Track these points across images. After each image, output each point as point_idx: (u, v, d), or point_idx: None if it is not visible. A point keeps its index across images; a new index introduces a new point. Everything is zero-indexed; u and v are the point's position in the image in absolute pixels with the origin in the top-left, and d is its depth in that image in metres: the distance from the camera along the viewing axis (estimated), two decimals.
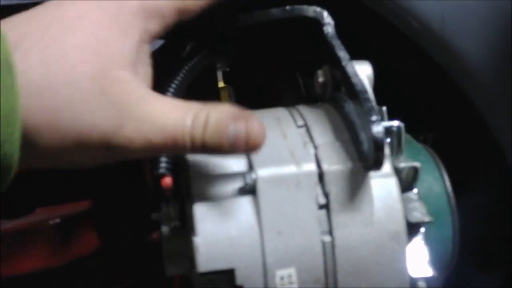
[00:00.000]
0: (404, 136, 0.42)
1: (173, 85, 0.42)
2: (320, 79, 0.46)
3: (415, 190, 0.42)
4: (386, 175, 0.40)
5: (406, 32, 0.51)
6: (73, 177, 0.67)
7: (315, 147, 0.41)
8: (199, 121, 0.36)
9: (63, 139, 0.34)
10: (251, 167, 0.40)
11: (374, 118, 0.37)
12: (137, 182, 0.69)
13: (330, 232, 0.39)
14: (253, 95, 0.70)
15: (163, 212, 0.41)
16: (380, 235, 0.39)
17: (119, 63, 0.36)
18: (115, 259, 0.80)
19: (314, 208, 0.39)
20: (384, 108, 0.42)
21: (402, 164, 0.41)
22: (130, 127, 0.35)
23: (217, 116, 0.36)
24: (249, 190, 0.39)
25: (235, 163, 0.40)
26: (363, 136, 0.39)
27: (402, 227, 0.39)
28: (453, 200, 0.46)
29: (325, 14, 0.44)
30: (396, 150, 0.42)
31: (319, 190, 0.39)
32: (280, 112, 0.45)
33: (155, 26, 0.38)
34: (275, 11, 0.43)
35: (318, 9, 0.44)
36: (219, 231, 0.39)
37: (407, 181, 0.42)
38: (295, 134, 0.42)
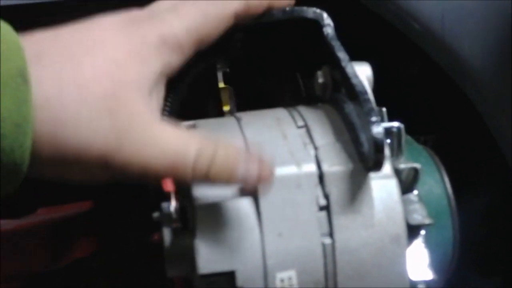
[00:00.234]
0: (404, 137, 0.42)
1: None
2: (320, 80, 0.46)
3: (415, 192, 0.42)
4: (386, 177, 0.40)
5: (406, 33, 0.51)
6: None
7: (315, 148, 0.41)
8: (205, 155, 0.36)
9: (63, 152, 0.34)
10: None
11: (374, 119, 0.37)
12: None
13: (331, 234, 0.39)
14: (253, 96, 0.70)
15: (163, 214, 0.41)
16: (381, 237, 0.39)
17: (133, 88, 0.36)
18: (116, 260, 0.80)
19: (314, 210, 0.39)
20: (384, 109, 0.42)
21: (403, 166, 0.41)
22: (129, 149, 0.35)
23: (225, 153, 0.36)
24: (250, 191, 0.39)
25: None
26: (363, 137, 0.39)
27: (402, 230, 0.39)
28: (453, 202, 0.46)
29: (325, 15, 0.44)
30: (396, 151, 0.42)
31: (319, 192, 0.39)
32: (280, 113, 0.45)
33: (175, 59, 0.39)
34: (275, 13, 0.43)
35: (318, 10, 0.44)
36: (219, 233, 0.39)
37: (407, 183, 0.42)
38: (295, 135, 0.42)
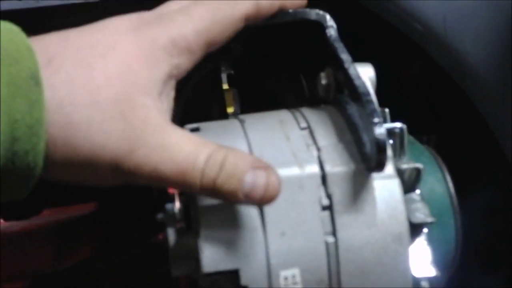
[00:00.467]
0: (407, 137, 0.42)
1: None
2: (323, 82, 0.46)
3: (417, 191, 0.43)
4: (388, 177, 0.40)
5: (409, 34, 0.51)
6: None
7: (318, 149, 0.41)
8: (214, 161, 0.35)
9: (76, 155, 0.35)
10: None
11: (376, 120, 0.37)
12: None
13: (334, 233, 0.39)
14: (256, 97, 0.70)
15: (168, 214, 0.42)
16: (383, 236, 0.39)
17: (144, 91, 0.36)
18: (120, 260, 0.80)
19: (317, 210, 0.39)
20: (387, 110, 0.43)
21: (405, 166, 0.41)
22: (140, 153, 0.35)
23: (235, 160, 0.36)
24: None
25: None
26: (365, 138, 0.39)
27: (405, 228, 0.40)
28: (455, 201, 0.46)
29: (328, 17, 0.44)
30: (399, 151, 0.42)
31: (322, 192, 0.40)
32: (283, 114, 0.45)
33: (184, 61, 0.38)
34: (278, 14, 0.43)
35: (321, 12, 0.44)
36: (223, 232, 0.39)
37: (409, 182, 0.42)
38: (298, 136, 0.42)
